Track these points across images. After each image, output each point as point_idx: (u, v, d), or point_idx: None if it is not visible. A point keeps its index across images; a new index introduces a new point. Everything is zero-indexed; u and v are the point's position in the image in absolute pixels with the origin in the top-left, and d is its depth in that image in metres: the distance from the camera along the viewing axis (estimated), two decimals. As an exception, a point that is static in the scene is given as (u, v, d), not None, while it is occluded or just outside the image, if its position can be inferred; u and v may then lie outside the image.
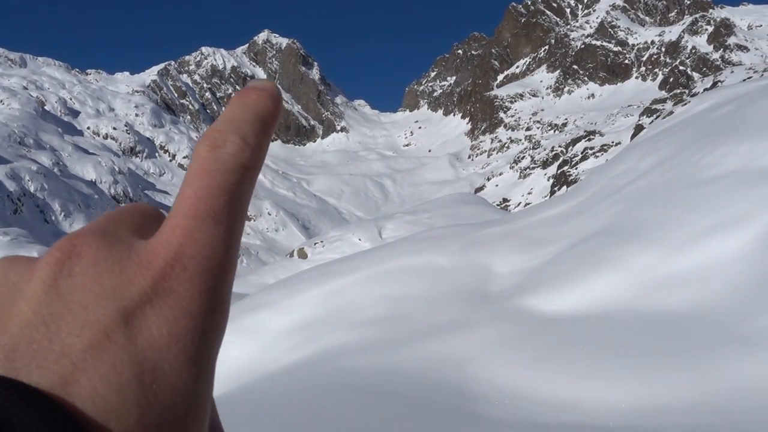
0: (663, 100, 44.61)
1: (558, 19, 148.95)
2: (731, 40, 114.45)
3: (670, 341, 4.53)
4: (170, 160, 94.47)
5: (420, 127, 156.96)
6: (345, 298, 7.70)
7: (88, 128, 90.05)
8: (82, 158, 71.77)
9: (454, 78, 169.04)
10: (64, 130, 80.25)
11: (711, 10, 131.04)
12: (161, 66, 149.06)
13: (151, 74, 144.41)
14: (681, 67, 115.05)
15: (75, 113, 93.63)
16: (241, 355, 7.63)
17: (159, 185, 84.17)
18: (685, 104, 13.65)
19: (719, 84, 33.21)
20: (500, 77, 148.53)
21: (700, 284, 5.11)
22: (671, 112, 13.71)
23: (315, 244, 28.39)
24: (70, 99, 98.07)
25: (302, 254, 27.89)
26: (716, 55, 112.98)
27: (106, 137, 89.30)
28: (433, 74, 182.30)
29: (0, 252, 36.88)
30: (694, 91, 35.45)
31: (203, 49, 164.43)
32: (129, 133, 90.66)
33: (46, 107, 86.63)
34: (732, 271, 5.05)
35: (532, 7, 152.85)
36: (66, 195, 53.99)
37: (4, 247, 37.47)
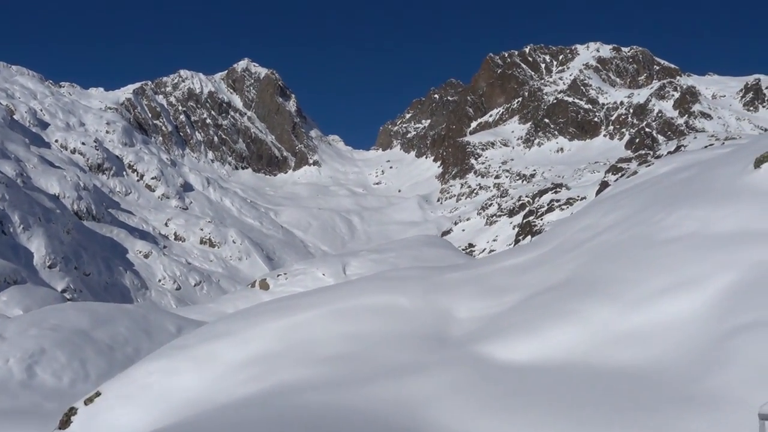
0: (628, 160, 45.75)
1: (533, 73, 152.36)
2: (696, 108, 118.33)
3: (622, 397, 4.61)
4: (138, 180, 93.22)
5: (391, 167, 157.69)
6: (304, 333, 7.65)
7: (56, 141, 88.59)
8: (47, 171, 70.41)
9: (428, 121, 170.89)
10: (31, 141, 78.83)
11: (678, 77, 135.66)
12: (137, 85, 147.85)
13: (126, 92, 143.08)
14: (647, 129, 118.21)
15: (44, 125, 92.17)
16: (195, 385, 7.50)
17: (124, 204, 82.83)
18: (649, 165, 14.04)
19: (682, 148, 34.26)
20: (474, 124, 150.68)
21: (654, 342, 5.23)
22: (635, 172, 14.07)
23: (278, 275, 28.16)
24: (41, 110, 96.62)
25: (264, 285, 27.62)
26: (681, 121, 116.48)
27: (73, 152, 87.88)
28: (408, 116, 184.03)
29: (-49, 261, 35.77)
30: (658, 152, 36.44)
31: (182, 71, 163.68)
32: (98, 150, 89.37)
33: (15, 116, 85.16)
34: (685, 331, 5.18)
35: (509, 60, 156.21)
36: (27, 207, 52.76)
37: (-44, 255, 36.39)
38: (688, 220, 6.82)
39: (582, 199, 62.58)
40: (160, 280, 64.51)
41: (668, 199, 7.99)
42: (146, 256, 67.10)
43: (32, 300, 35.03)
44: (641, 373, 4.91)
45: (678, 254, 6.24)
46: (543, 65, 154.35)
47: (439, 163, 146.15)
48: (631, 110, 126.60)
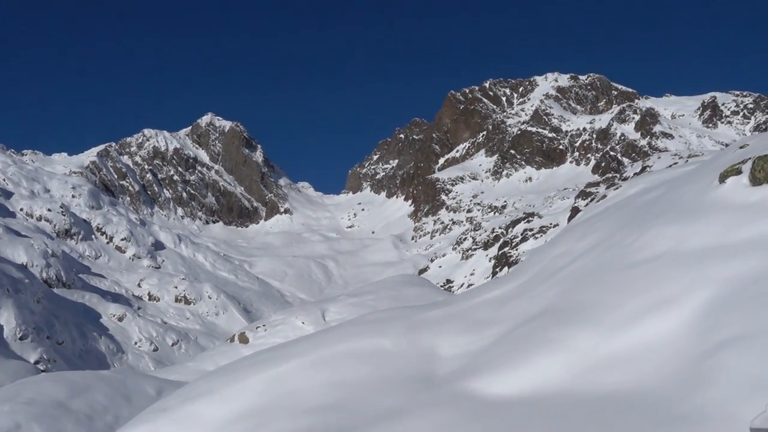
0: (596, 184, 46.47)
1: (495, 106, 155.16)
2: (657, 128, 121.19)
3: (612, 422, 4.57)
4: (107, 243, 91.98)
5: (363, 209, 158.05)
6: (288, 385, 7.51)
7: (21, 210, 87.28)
8: (13, 241, 69.15)
9: (396, 161, 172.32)
10: (-4, 212, 77.58)
11: (637, 100, 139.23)
12: (101, 147, 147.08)
13: (90, 155, 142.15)
14: (611, 153, 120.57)
15: (8, 194, 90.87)
16: (178, 448, 7.29)
17: (94, 268, 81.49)
18: (617, 188, 14.26)
19: (647, 169, 34.92)
20: (441, 161, 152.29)
21: (639, 364, 5.22)
22: (604, 196, 14.27)
23: (257, 328, 27.80)
24: (3, 180, 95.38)
25: (243, 339, 27.22)
26: (644, 142, 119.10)
27: (40, 219, 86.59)
28: (375, 157, 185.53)
29: None
30: (624, 175, 37.10)
31: (145, 130, 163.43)
32: (64, 215, 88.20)
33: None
34: (668, 350, 5.18)
35: (470, 95, 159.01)
36: (-6, 279, 51.61)
37: None
38: (660, 240, 6.89)
39: (555, 226, 63.19)
40: (136, 343, 63.20)
41: (639, 219, 8.09)
42: (120, 319, 65.81)
43: (5, 374, 34.04)
44: (628, 396, 4.89)
45: (654, 274, 6.29)
46: (504, 98, 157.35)
47: (410, 201, 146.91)
48: (594, 135, 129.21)
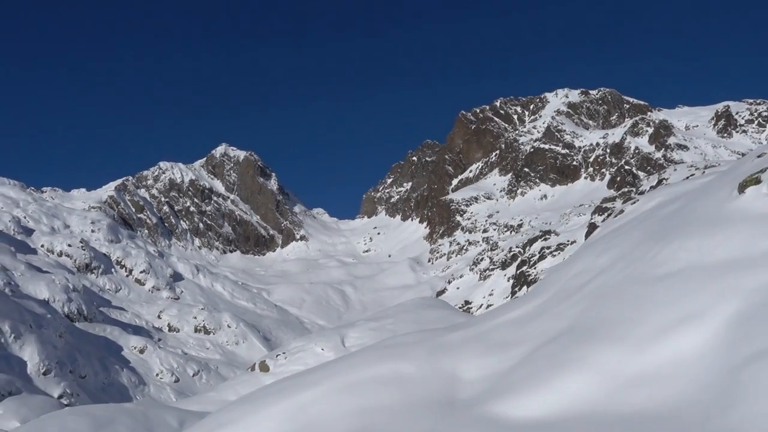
0: (612, 199, 46.15)
1: (506, 125, 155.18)
2: (671, 140, 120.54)
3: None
4: (127, 275, 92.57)
5: (379, 233, 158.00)
6: (311, 413, 7.45)
7: (42, 246, 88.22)
8: (35, 277, 69.80)
9: (410, 184, 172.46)
10: (17, 249, 78.41)
11: (649, 113, 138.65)
12: (119, 181, 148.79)
13: (108, 190, 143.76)
14: (626, 167, 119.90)
15: (29, 231, 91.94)
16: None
17: (115, 301, 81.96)
18: (634, 202, 14.13)
19: (664, 181, 34.63)
20: (455, 182, 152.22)
21: (668, 381, 5.12)
22: (622, 210, 14.15)
23: (277, 356, 27.72)
24: (24, 217, 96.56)
25: (264, 367, 27.15)
26: (658, 155, 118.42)
27: (60, 254, 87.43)
28: (389, 181, 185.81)
29: (-57, 380, 34.92)
30: (641, 188, 36.79)
31: (161, 163, 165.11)
32: (84, 250, 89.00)
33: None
34: (697, 366, 5.08)
35: (481, 115, 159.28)
36: (17, 315, 52.02)
37: (-53, 374, 35.57)
38: (681, 253, 6.80)
39: (572, 243, 62.75)
40: (157, 374, 63.25)
41: (659, 233, 8.00)
42: (141, 351, 65.96)
43: (29, 409, 34.16)
44: (659, 415, 4.79)
45: (677, 288, 6.20)
46: (515, 116, 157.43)
47: (425, 224, 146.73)
48: (608, 150, 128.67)
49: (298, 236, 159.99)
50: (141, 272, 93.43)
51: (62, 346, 54.24)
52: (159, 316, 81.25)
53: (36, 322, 53.93)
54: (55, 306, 65.42)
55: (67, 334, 56.88)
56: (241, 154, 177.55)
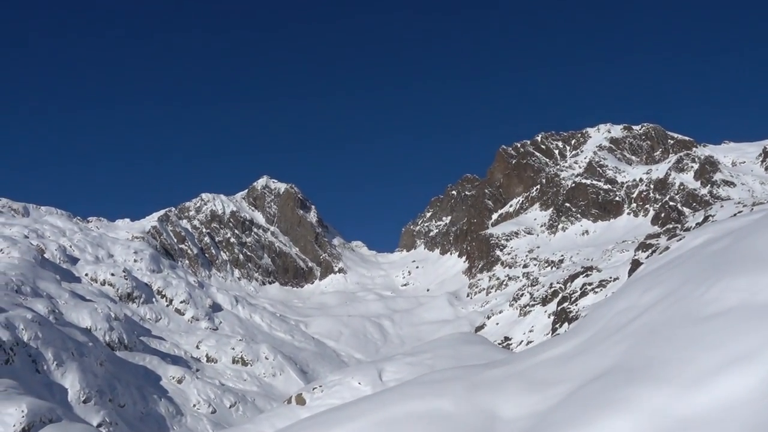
0: (657, 235, 45.24)
1: (547, 160, 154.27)
2: (717, 176, 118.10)
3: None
4: (167, 305, 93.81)
5: (417, 267, 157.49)
6: (346, 448, 7.35)
7: (86, 275, 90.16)
8: (78, 305, 71.23)
9: (449, 218, 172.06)
10: (62, 278, 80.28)
11: (694, 149, 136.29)
12: (162, 212, 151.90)
13: (151, 220, 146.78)
14: (671, 203, 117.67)
15: (74, 260, 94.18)
16: None
17: (155, 331, 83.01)
18: (680, 239, 13.81)
19: (711, 218, 33.85)
20: (494, 216, 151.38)
21: (717, 426, 4.90)
22: (667, 247, 13.83)
23: (313, 389, 27.58)
24: (70, 246, 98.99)
25: (300, 400, 27.01)
26: (704, 191, 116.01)
27: (103, 283, 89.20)
28: (428, 215, 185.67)
29: (-13, 405, 35.65)
30: (686, 225, 36.04)
31: (203, 195, 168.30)
32: (127, 279, 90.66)
33: (45, 255, 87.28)
34: (748, 411, 4.86)
35: (522, 150, 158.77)
36: (60, 343, 53.03)
37: (-8, 399, 36.29)
38: (730, 292, 6.58)
39: (615, 279, 61.58)
40: (194, 405, 63.52)
41: (706, 271, 7.77)
42: (179, 382, 66.42)
43: (68, 438, 34.55)
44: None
45: (726, 328, 5.98)
46: (556, 151, 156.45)
47: (464, 258, 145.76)
48: (652, 186, 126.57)
49: (336, 269, 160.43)
50: (181, 302, 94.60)
51: (102, 375, 55.00)
52: (197, 347, 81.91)
53: (78, 350, 54.88)
54: (96, 334, 66.55)
55: (107, 363, 57.69)
56: (282, 187, 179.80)
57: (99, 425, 46.72)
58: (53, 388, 48.88)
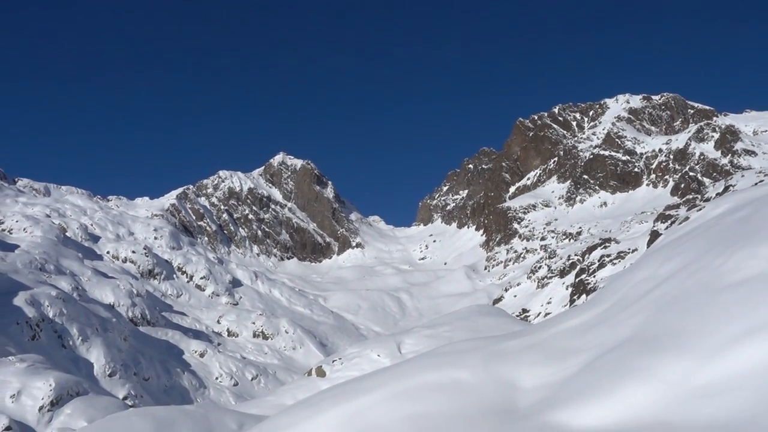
0: (676, 206, 44.82)
1: (565, 131, 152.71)
2: (738, 146, 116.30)
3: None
4: (188, 282, 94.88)
5: (435, 241, 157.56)
6: (367, 418, 7.45)
7: (108, 252, 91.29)
8: (101, 282, 72.26)
9: (466, 191, 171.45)
10: (84, 255, 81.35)
11: (715, 118, 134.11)
12: (180, 190, 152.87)
13: (170, 198, 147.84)
14: (691, 173, 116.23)
15: (95, 238, 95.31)
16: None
17: (176, 306, 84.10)
18: (700, 209, 13.68)
19: (731, 188, 33.43)
20: (512, 189, 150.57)
21: (737, 393, 4.91)
22: (687, 218, 13.72)
23: (333, 361, 27.88)
24: (91, 225, 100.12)
25: (320, 373, 27.34)
26: (725, 161, 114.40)
27: (125, 261, 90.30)
28: (445, 188, 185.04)
29: (16, 379, 36.50)
30: (706, 195, 35.63)
31: (221, 172, 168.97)
32: (148, 256, 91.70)
33: (67, 234, 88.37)
34: (767, 380, 4.86)
35: (539, 122, 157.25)
36: (84, 319, 53.94)
37: (20, 374, 37.11)
38: (752, 261, 6.54)
39: (633, 251, 61.26)
40: (217, 378, 64.52)
41: (727, 241, 7.71)
42: (202, 355, 67.42)
43: (95, 410, 35.33)
44: (726, 427, 4.61)
45: (747, 298, 5.96)
46: (574, 123, 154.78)
47: (481, 231, 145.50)
48: (671, 156, 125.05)
49: (354, 244, 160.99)
50: (201, 278, 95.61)
51: (126, 349, 55.95)
52: (218, 321, 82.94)
53: (102, 326, 55.82)
54: (119, 310, 67.59)
55: (131, 338, 58.64)
56: (298, 163, 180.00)
57: (124, 398, 47.66)
58: (79, 363, 49.86)
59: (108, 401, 38.24)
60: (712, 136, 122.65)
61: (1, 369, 37.45)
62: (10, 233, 79.74)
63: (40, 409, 34.73)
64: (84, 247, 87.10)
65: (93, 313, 56.98)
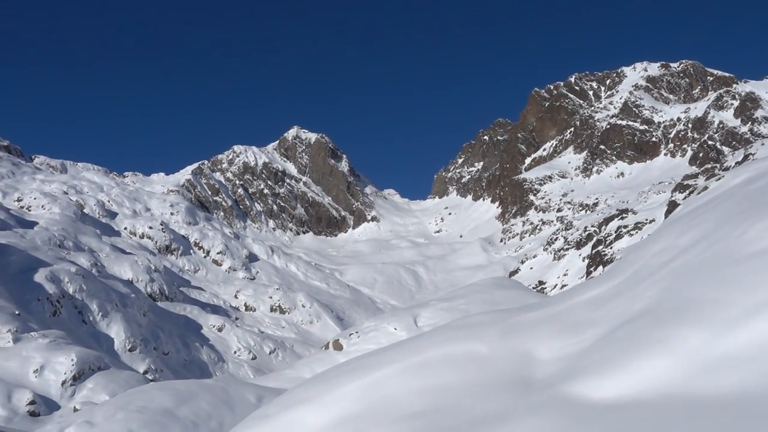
0: (695, 176, 44.37)
1: (581, 101, 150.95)
2: (758, 113, 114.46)
3: (731, 427, 4.29)
4: (204, 257, 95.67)
5: (450, 213, 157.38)
6: (384, 391, 7.51)
7: (125, 228, 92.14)
8: (119, 258, 73.07)
9: (481, 163, 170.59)
10: (102, 232, 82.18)
11: (735, 85, 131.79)
12: (195, 165, 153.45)
13: (185, 174, 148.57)
14: (710, 142, 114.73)
15: (113, 215, 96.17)
16: (280, 454, 7.42)
17: (194, 282, 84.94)
18: (719, 178, 13.50)
19: (751, 157, 32.98)
20: (528, 160, 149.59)
21: (758, 364, 4.88)
22: (706, 187, 13.56)
23: (350, 335, 28.10)
24: (108, 201, 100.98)
25: (338, 346, 27.58)
26: (744, 129, 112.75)
27: (142, 236, 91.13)
28: (460, 161, 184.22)
29: (39, 354, 37.17)
30: (725, 164, 35.19)
31: (235, 147, 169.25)
32: (164, 232, 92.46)
33: (85, 210, 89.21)
34: (788, 349, 4.82)
35: (555, 92, 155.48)
36: (104, 295, 54.66)
37: (43, 349, 37.77)
38: (771, 231, 6.44)
39: (651, 222, 60.86)
40: (235, 352, 65.34)
41: (747, 211, 7.61)
42: (220, 330, 68.24)
43: (117, 384, 35.94)
44: (744, 398, 4.58)
45: (766, 269, 5.88)
46: (591, 92, 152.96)
47: (497, 203, 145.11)
48: (690, 125, 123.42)
49: (369, 217, 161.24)
50: (218, 253, 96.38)
51: (146, 324, 56.72)
52: (236, 296, 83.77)
53: (121, 301, 56.55)
54: (138, 286, 68.39)
55: (150, 313, 59.41)
56: (313, 137, 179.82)
57: (145, 372, 48.43)
58: (100, 338, 50.65)
59: (129, 375, 38.87)
60: (732, 104, 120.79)
61: (25, 345, 38.15)
62: (29, 210, 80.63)
63: (63, 383, 35.40)
64: (101, 224, 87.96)
65: (112, 288, 57.72)
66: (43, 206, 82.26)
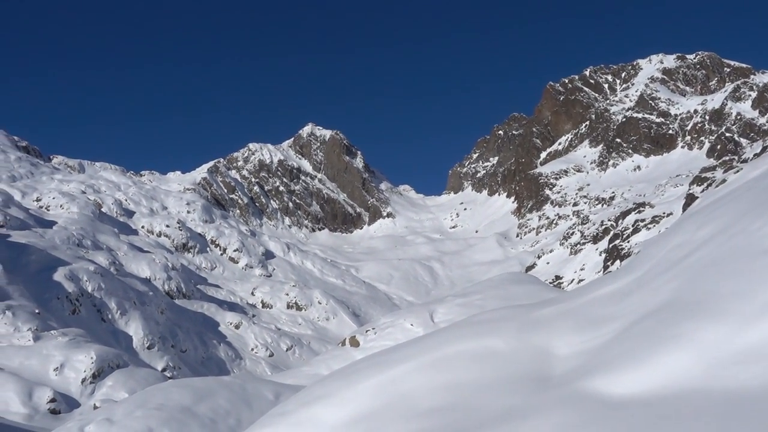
0: (713, 168, 43.90)
1: (597, 95, 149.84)
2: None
3: (751, 422, 4.25)
4: (221, 254, 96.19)
5: (465, 209, 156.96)
6: (401, 387, 7.52)
7: (143, 227, 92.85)
8: (137, 256, 73.65)
9: (496, 158, 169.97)
10: (120, 230, 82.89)
11: (752, 76, 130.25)
12: (211, 163, 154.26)
13: (201, 172, 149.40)
14: (727, 134, 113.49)
15: (130, 213, 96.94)
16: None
17: (211, 279, 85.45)
18: (738, 171, 13.36)
19: (769, 148, 32.55)
20: (543, 155, 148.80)
21: (777, 359, 4.83)
22: (724, 180, 13.43)
23: (366, 331, 28.12)
24: (126, 200, 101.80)
25: (354, 342, 27.62)
26: (762, 120, 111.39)
27: (159, 235, 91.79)
28: (475, 156, 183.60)
29: (59, 352, 37.60)
30: (744, 157, 34.79)
31: (250, 145, 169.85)
32: (181, 230, 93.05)
33: (102, 209, 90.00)
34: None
35: (570, 85, 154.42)
36: (122, 293, 55.14)
37: (63, 347, 38.20)
38: (791, 224, 6.37)
39: (668, 215, 60.38)
40: (252, 349, 65.68)
41: (765, 204, 7.53)
42: (237, 327, 68.63)
43: (136, 382, 36.29)
44: (764, 393, 4.54)
45: (787, 261, 5.82)
46: (606, 85, 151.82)
47: (513, 198, 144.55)
48: (707, 117, 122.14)
49: (384, 213, 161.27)
50: (234, 251, 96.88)
51: (164, 322, 57.17)
52: (252, 293, 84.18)
53: (139, 299, 57.03)
54: (156, 284, 68.92)
55: (168, 311, 59.87)
56: (327, 134, 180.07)
57: (163, 370, 48.82)
58: (118, 336, 51.14)
59: (147, 373, 39.23)
60: (750, 95, 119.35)
61: (45, 343, 38.60)
62: (48, 210, 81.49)
63: (83, 381, 35.79)
64: (119, 222, 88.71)
65: (130, 287, 58.20)
66: (61, 206, 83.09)
